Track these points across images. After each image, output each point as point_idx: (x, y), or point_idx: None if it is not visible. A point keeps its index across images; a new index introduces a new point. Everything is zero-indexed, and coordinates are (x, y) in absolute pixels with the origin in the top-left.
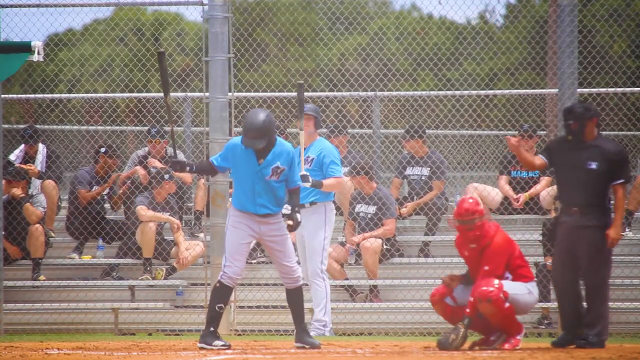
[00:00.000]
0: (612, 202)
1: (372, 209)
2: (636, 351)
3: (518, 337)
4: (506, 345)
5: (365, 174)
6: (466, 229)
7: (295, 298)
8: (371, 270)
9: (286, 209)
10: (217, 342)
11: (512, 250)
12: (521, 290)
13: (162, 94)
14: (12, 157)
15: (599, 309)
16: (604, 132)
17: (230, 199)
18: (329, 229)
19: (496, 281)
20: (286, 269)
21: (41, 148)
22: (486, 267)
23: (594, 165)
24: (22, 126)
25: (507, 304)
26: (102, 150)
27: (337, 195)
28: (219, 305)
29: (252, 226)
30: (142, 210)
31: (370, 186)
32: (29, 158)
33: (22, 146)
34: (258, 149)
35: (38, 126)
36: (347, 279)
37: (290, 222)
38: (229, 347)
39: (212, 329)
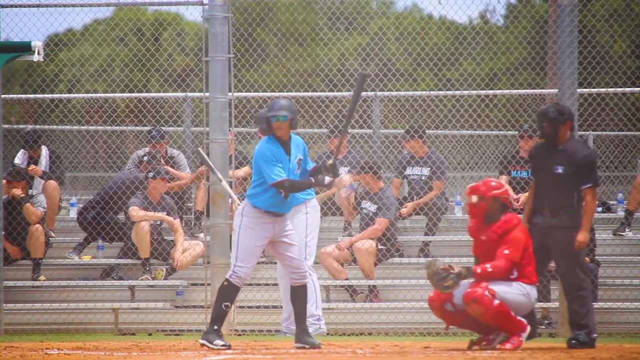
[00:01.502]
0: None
1: (373, 208)
2: (636, 351)
3: (520, 338)
4: (507, 345)
5: (374, 173)
6: (471, 206)
7: (300, 296)
8: (367, 271)
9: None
10: (218, 342)
11: (528, 243)
12: (514, 290)
13: (161, 94)
14: (16, 160)
15: (581, 308)
16: (603, 132)
17: (232, 200)
18: (312, 227)
19: (483, 283)
20: (297, 263)
21: (44, 152)
22: (506, 251)
23: (560, 170)
24: (22, 126)
25: (496, 302)
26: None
27: (338, 196)
28: (225, 304)
29: (268, 227)
30: (134, 211)
31: (377, 185)
32: (33, 162)
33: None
34: (281, 122)
35: (38, 126)
36: (347, 279)
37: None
38: (229, 347)
39: (215, 327)
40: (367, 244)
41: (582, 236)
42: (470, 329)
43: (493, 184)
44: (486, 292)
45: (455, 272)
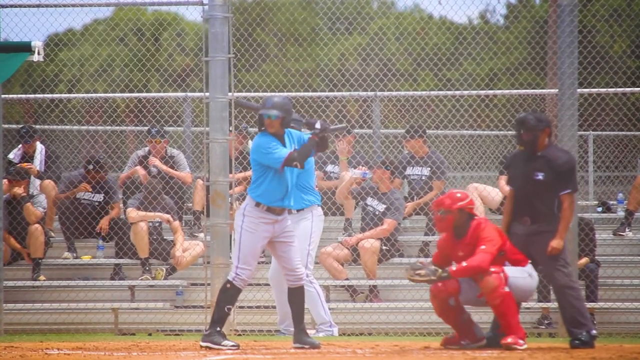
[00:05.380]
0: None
1: (381, 207)
2: (636, 351)
3: (520, 341)
4: (509, 339)
5: (391, 173)
6: (438, 219)
7: (297, 297)
8: (370, 270)
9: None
10: (227, 342)
11: (503, 238)
12: (521, 274)
13: (161, 94)
14: (11, 155)
15: (573, 307)
16: (603, 132)
17: (232, 200)
18: (316, 235)
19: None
20: (294, 264)
21: (39, 147)
22: (482, 247)
23: (540, 176)
24: (19, 126)
25: (506, 288)
26: (90, 166)
27: (338, 194)
28: (227, 306)
29: (268, 228)
30: (132, 212)
31: (387, 185)
32: (28, 158)
33: (20, 145)
34: (272, 120)
35: (38, 126)
36: (347, 279)
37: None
38: (238, 347)
39: (218, 328)
40: (373, 244)
41: (556, 242)
42: (453, 326)
43: (458, 195)
44: (501, 273)
45: (431, 268)
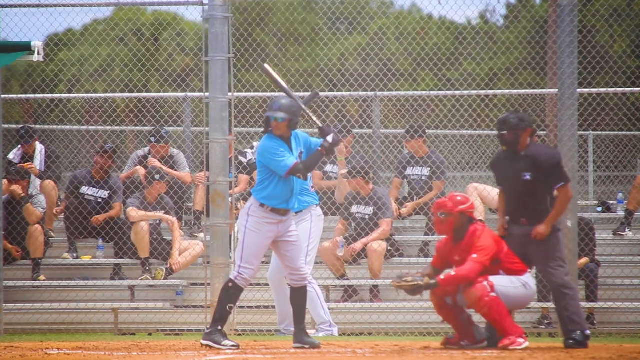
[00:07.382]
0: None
1: (369, 210)
2: (636, 351)
3: (519, 340)
4: (505, 341)
5: (363, 176)
6: (438, 221)
7: (300, 297)
8: (376, 271)
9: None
10: (227, 342)
11: (499, 246)
12: (512, 284)
13: (161, 94)
14: (10, 156)
15: (569, 307)
16: (603, 132)
17: (233, 200)
18: (314, 235)
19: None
20: (297, 264)
21: (39, 147)
22: (474, 255)
23: (528, 176)
24: (19, 126)
25: (492, 294)
26: (107, 148)
27: (338, 195)
28: (229, 305)
29: (272, 228)
30: (132, 212)
31: (367, 188)
32: (28, 158)
33: (20, 145)
34: (279, 122)
35: (38, 126)
36: (344, 274)
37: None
38: (238, 347)
39: (219, 327)
40: (381, 245)
41: (541, 228)
42: (453, 325)
43: (459, 198)
44: (485, 282)
45: (418, 276)
